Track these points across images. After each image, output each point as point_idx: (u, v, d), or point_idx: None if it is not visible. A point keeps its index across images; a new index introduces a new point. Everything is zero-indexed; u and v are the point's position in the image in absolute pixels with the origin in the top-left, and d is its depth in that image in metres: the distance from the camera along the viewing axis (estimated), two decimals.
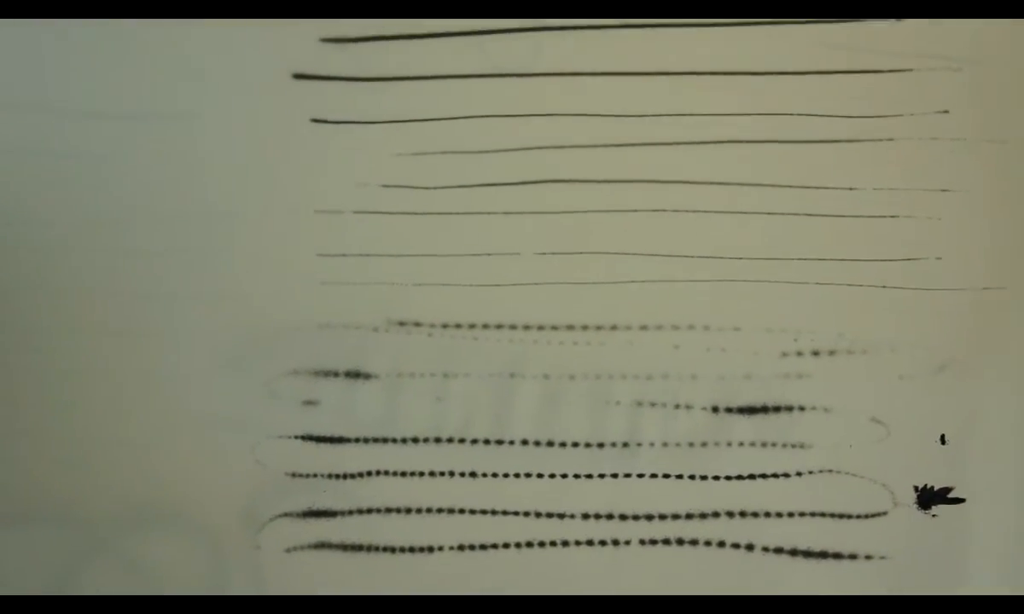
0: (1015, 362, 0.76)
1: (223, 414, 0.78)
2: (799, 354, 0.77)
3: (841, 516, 0.77)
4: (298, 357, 0.78)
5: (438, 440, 0.78)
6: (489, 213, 0.77)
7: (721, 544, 0.78)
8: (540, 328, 0.77)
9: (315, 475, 0.78)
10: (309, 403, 0.78)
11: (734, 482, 0.78)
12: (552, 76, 0.76)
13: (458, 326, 0.77)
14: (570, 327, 0.77)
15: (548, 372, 0.78)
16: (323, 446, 0.78)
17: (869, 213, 0.76)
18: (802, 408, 0.77)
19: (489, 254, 0.77)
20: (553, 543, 0.78)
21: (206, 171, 0.77)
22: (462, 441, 0.78)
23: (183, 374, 0.77)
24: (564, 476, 0.78)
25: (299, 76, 0.76)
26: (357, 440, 0.78)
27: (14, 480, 0.78)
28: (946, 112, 0.75)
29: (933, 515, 0.77)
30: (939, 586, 0.77)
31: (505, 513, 0.78)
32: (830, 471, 0.77)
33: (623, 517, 0.78)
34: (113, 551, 0.78)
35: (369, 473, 0.78)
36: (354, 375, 0.78)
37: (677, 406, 0.77)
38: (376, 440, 0.78)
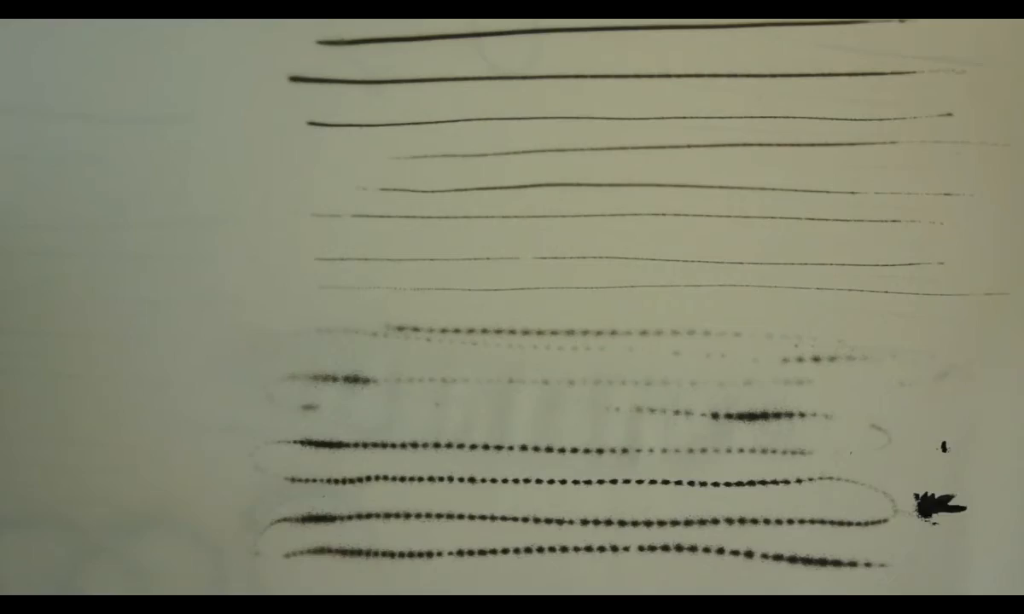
0: (1017, 368, 0.76)
1: (222, 419, 0.77)
2: (800, 360, 0.76)
3: (841, 523, 0.77)
4: (297, 362, 0.77)
5: (437, 445, 0.78)
6: (488, 217, 0.76)
7: (720, 551, 0.77)
8: (539, 333, 0.77)
9: (314, 480, 0.78)
10: (308, 408, 0.78)
11: (734, 489, 0.77)
12: (551, 78, 0.75)
13: (457, 331, 0.77)
14: (569, 332, 0.77)
15: (547, 377, 0.77)
16: (322, 451, 0.78)
17: (871, 217, 0.76)
18: (803, 414, 0.77)
19: (488, 258, 0.77)
20: (552, 549, 0.78)
21: (203, 175, 0.76)
22: (461, 446, 0.78)
23: (182, 379, 0.77)
24: (563, 482, 0.78)
25: (296, 79, 0.76)
26: (356, 445, 0.78)
27: (13, 485, 0.78)
28: (949, 115, 0.75)
29: (934, 523, 0.77)
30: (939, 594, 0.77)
31: (504, 519, 0.78)
32: (830, 478, 0.77)
33: (622, 523, 0.78)
34: (113, 556, 0.78)
35: (368, 478, 0.78)
36: (353, 380, 0.77)
37: (677, 412, 0.77)
38: (375, 445, 0.78)
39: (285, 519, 0.78)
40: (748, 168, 0.76)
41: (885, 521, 0.77)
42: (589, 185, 0.76)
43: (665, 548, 0.78)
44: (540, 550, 0.78)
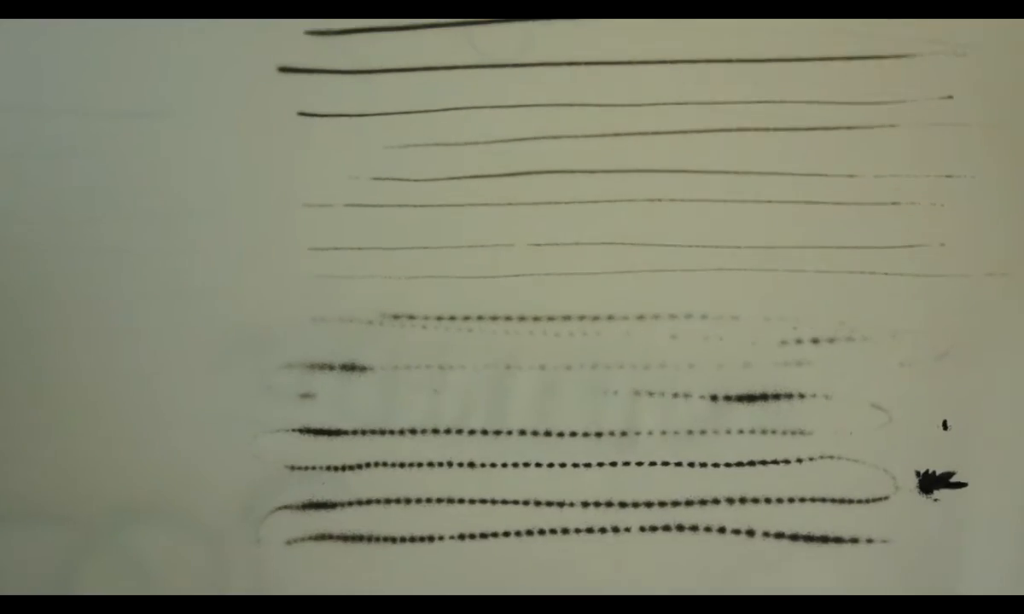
0: (1017, 347, 0.76)
1: (220, 409, 0.77)
2: (799, 342, 0.76)
3: (842, 501, 0.77)
4: (293, 351, 0.77)
5: (435, 431, 0.78)
6: (482, 204, 0.76)
7: (722, 530, 0.78)
8: (536, 319, 0.77)
9: (314, 467, 0.78)
10: (306, 396, 0.78)
11: (734, 469, 0.77)
12: (544, 66, 0.74)
13: (453, 318, 0.77)
14: (566, 317, 0.77)
15: (544, 363, 0.77)
16: (321, 439, 0.78)
17: (871, 200, 0.75)
18: (802, 395, 0.77)
19: (483, 245, 0.76)
20: (553, 531, 0.78)
21: (195, 167, 0.76)
22: (459, 432, 0.78)
23: (179, 370, 0.77)
24: (563, 465, 0.78)
25: (285, 69, 0.75)
26: (355, 432, 0.78)
27: (11, 479, 0.78)
28: (950, 98, 0.75)
29: (935, 499, 0.77)
30: (940, 570, 0.77)
31: (505, 502, 0.78)
32: (831, 457, 0.77)
33: (623, 504, 0.78)
34: (113, 548, 0.78)
35: (368, 465, 0.78)
36: (350, 368, 0.77)
37: (675, 395, 0.77)
38: (374, 432, 0.78)
39: (286, 507, 0.78)
40: (746, 152, 0.75)
41: (886, 498, 0.77)
42: (584, 171, 0.75)
43: (666, 528, 0.78)
44: (541, 532, 0.78)
